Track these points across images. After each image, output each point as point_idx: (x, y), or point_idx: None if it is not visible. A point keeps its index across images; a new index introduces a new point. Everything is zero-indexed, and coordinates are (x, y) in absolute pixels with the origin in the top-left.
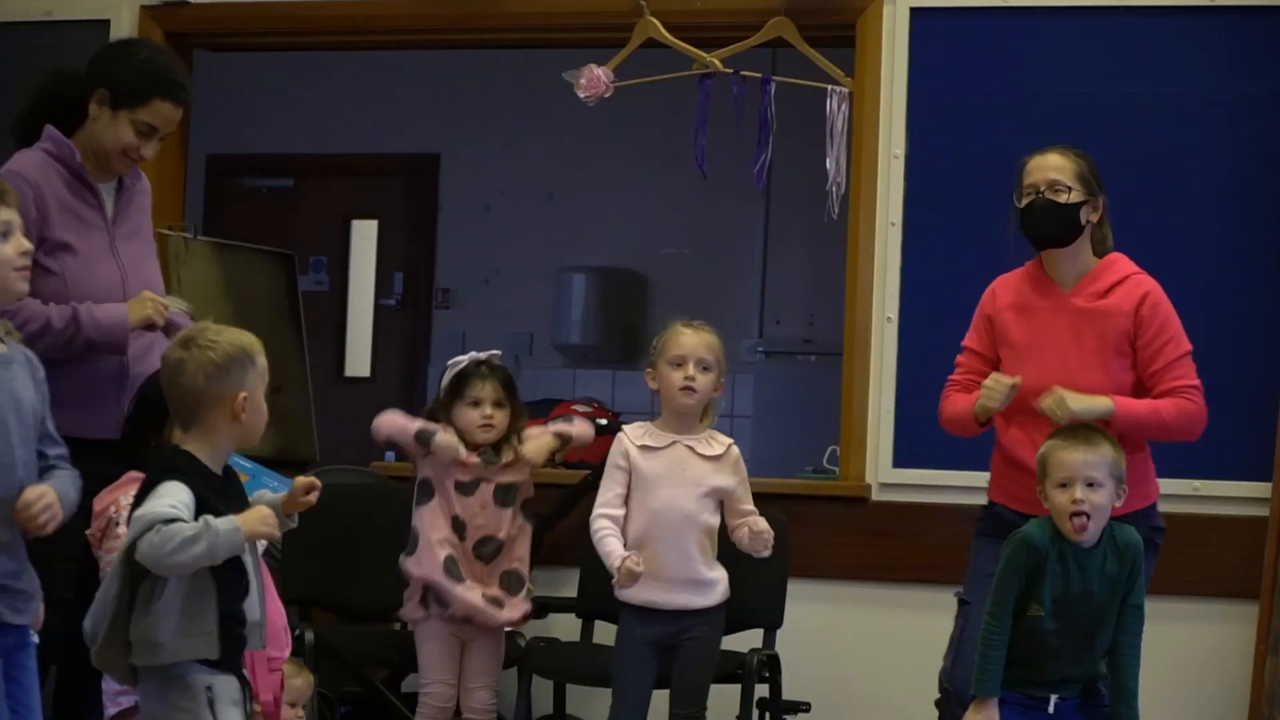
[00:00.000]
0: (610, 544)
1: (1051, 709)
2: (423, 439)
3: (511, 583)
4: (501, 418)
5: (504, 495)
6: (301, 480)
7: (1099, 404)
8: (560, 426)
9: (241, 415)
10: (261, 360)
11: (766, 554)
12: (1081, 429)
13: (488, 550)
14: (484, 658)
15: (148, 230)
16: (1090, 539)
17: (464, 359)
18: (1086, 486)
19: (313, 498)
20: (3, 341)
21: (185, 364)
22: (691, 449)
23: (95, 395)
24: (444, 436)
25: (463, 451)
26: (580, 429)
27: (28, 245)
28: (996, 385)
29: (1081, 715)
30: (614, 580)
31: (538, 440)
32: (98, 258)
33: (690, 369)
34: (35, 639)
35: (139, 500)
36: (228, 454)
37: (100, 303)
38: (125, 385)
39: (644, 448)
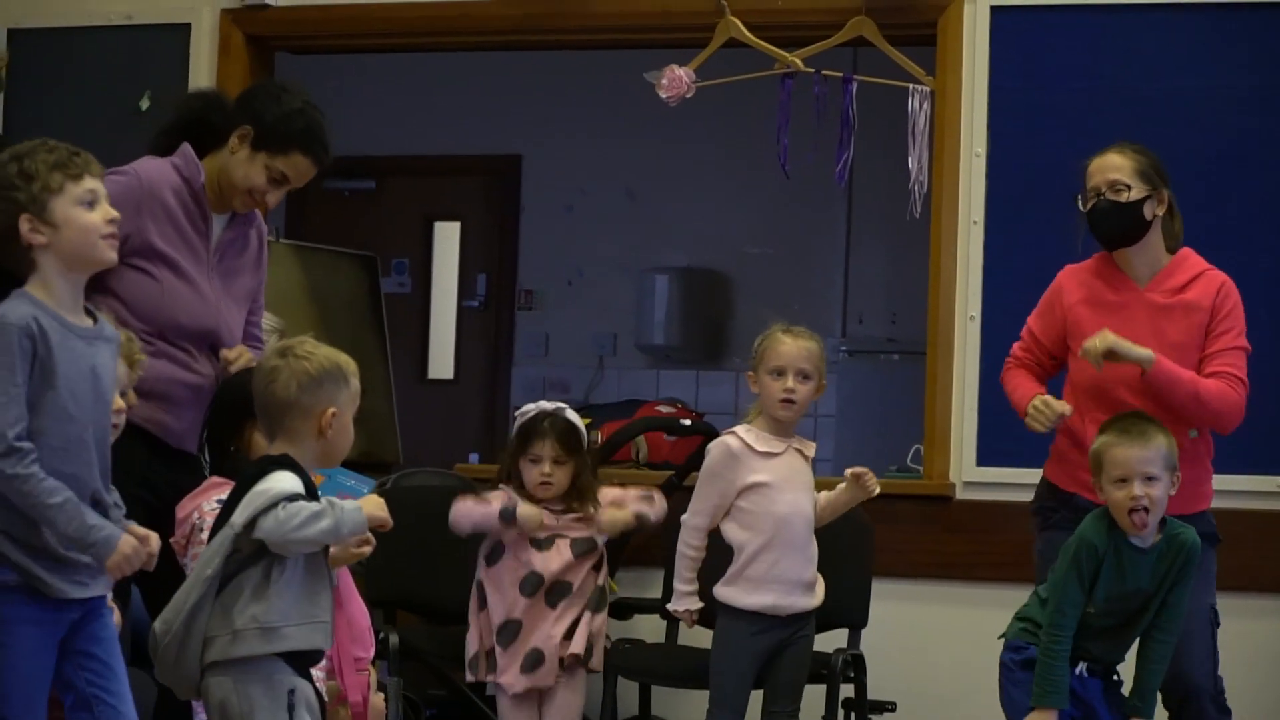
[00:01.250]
0: (685, 575)
1: (1078, 672)
2: (506, 517)
3: (568, 632)
4: (561, 475)
5: (581, 549)
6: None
7: (1141, 351)
8: (643, 508)
9: (328, 431)
10: (356, 383)
11: (876, 489)
12: (1134, 422)
13: (556, 594)
14: (563, 701)
15: (250, 275)
16: (1149, 533)
17: (533, 409)
18: (1144, 481)
19: (365, 550)
20: (92, 316)
21: (279, 371)
22: (800, 452)
23: (174, 405)
24: (525, 509)
25: (548, 518)
26: (659, 511)
27: (114, 214)
28: (1046, 411)
29: (1105, 699)
30: (675, 612)
31: (617, 515)
32: (194, 283)
33: (790, 380)
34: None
35: (237, 495)
36: (311, 470)
37: (183, 322)
38: (199, 397)
39: (762, 453)
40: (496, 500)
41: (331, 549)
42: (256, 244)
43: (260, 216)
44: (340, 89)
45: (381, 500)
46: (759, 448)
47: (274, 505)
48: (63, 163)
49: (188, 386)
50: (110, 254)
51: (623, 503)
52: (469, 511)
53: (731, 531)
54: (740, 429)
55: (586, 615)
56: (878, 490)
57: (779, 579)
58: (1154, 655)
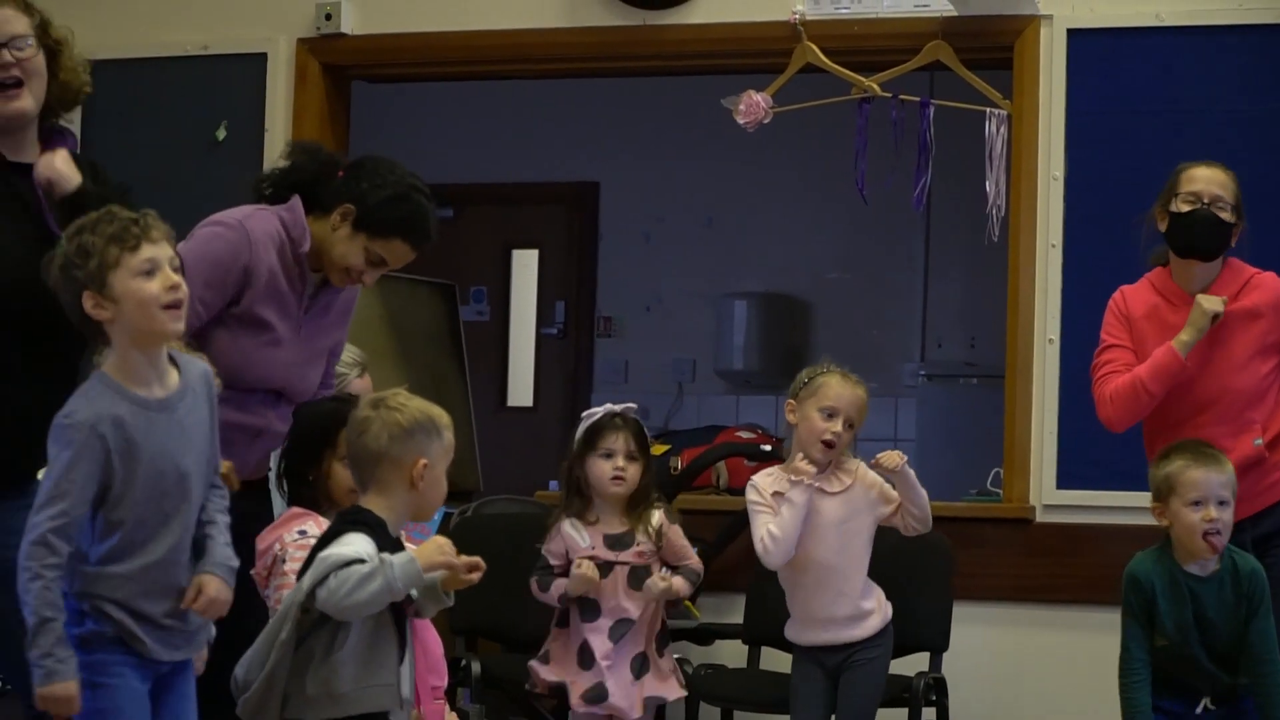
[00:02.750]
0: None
1: (1200, 710)
2: (564, 603)
3: (640, 667)
4: (634, 471)
5: (637, 579)
6: (466, 560)
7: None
8: (685, 590)
9: (419, 483)
10: (449, 436)
11: (901, 461)
12: (1204, 447)
13: (619, 631)
14: None
15: (338, 328)
16: (1210, 561)
17: (599, 411)
18: (1218, 505)
19: (475, 577)
20: (174, 362)
21: (371, 422)
22: (821, 489)
23: (228, 445)
24: (574, 583)
25: (590, 575)
26: (696, 574)
27: (175, 279)
28: (1209, 302)
29: None
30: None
31: (675, 583)
32: (281, 346)
33: (839, 425)
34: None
35: (319, 549)
36: (402, 522)
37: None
38: (256, 442)
39: (777, 495)
40: (556, 587)
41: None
42: (349, 296)
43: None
44: (417, 117)
45: (443, 541)
46: (768, 490)
47: (329, 575)
48: (119, 235)
49: (244, 430)
50: (172, 325)
51: (677, 560)
52: (542, 597)
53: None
54: (758, 476)
55: (655, 658)
56: (896, 462)
57: (813, 618)
58: (1268, 687)
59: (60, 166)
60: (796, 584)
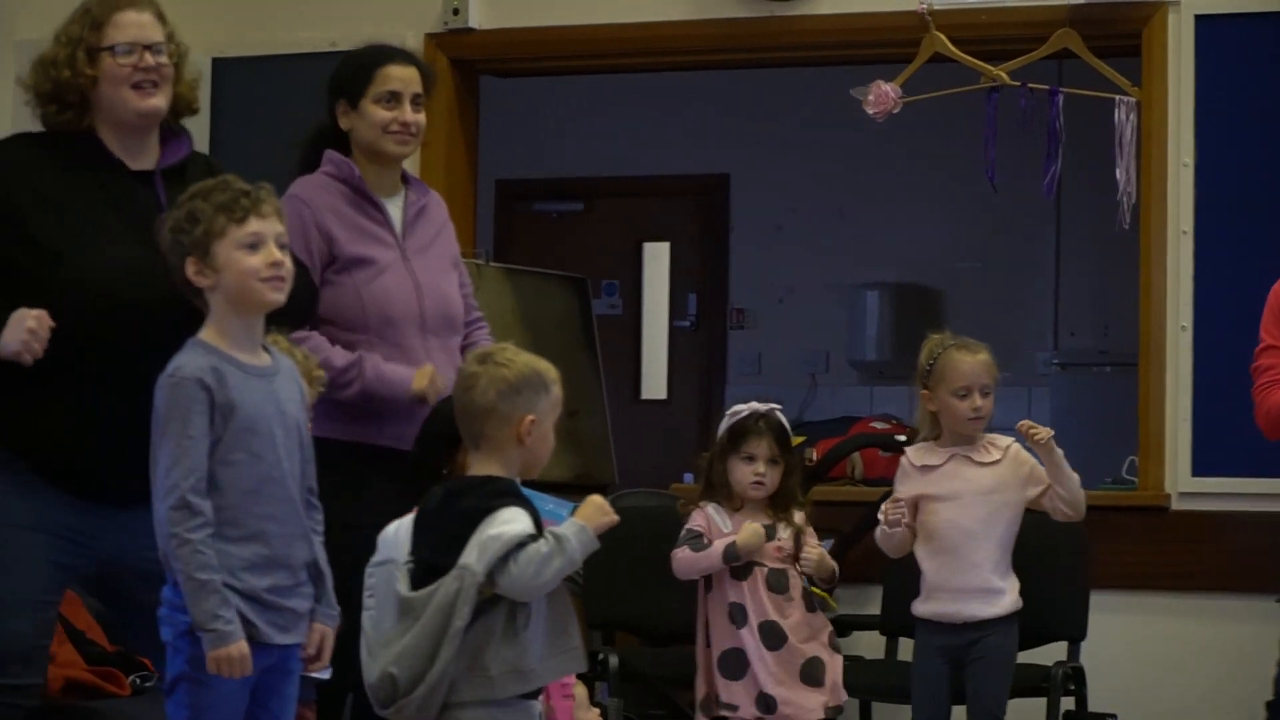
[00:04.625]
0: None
1: None
2: (731, 558)
3: (811, 675)
4: (774, 475)
5: (775, 581)
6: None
7: None
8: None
9: (526, 439)
10: (556, 390)
11: (1048, 434)
12: None
13: (772, 638)
14: None
15: (444, 245)
16: None
17: (744, 409)
18: None
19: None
20: (268, 351)
21: (478, 378)
22: (969, 459)
23: (404, 408)
24: (744, 539)
25: (762, 533)
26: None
27: (277, 256)
28: None
29: None
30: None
31: (827, 562)
32: (389, 271)
33: (977, 399)
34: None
35: (462, 525)
36: (515, 478)
37: (392, 313)
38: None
39: (924, 467)
40: (719, 542)
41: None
42: (437, 212)
43: (430, 190)
44: (546, 111)
45: (599, 500)
46: (917, 462)
47: (506, 557)
48: (228, 205)
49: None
50: (273, 296)
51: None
52: (692, 563)
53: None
54: (912, 447)
55: (827, 659)
56: (1043, 435)
57: (943, 587)
58: None
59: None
60: (932, 552)
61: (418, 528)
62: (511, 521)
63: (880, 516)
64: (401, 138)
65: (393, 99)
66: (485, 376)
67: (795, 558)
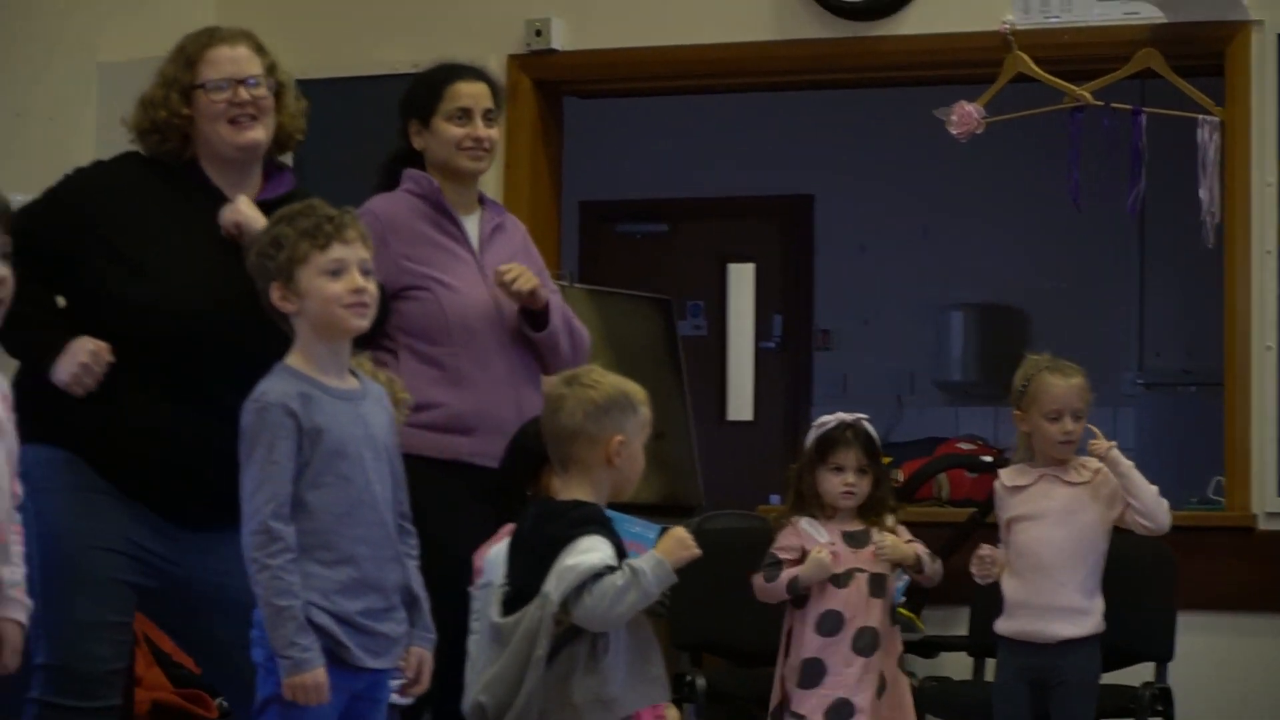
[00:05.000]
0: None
1: None
2: (794, 591)
3: (880, 685)
4: (863, 485)
5: (876, 586)
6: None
7: None
8: (924, 553)
9: (615, 460)
10: (644, 411)
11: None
12: None
13: (864, 642)
14: None
15: (522, 262)
16: None
17: (831, 420)
18: None
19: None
20: (355, 375)
21: (565, 400)
22: (1059, 478)
23: (494, 423)
24: (807, 570)
25: (826, 560)
26: (935, 572)
27: (360, 283)
28: None
29: None
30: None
31: (901, 544)
32: (469, 288)
33: (1068, 423)
34: (398, 697)
35: (545, 552)
36: (605, 500)
37: (473, 324)
38: (521, 414)
39: (1014, 488)
40: (785, 574)
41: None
42: (514, 231)
43: (505, 211)
44: (630, 133)
45: (681, 534)
46: (1009, 483)
47: (581, 587)
48: (312, 231)
49: (507, 404)
50: (356, 322)
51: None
52: (765, 591)
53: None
54: (1003, 470)
55: (891, 679)
56: (1102, 447)
57: (1028, 605)
58: None
59: (245, 210)
60: (1018, 571)
61: (511, 551)
62: (590, 551)
63: (974, 570)
64: (475, 153)
65: (464, 115)
66: (572, 398)
67: (893, 562)
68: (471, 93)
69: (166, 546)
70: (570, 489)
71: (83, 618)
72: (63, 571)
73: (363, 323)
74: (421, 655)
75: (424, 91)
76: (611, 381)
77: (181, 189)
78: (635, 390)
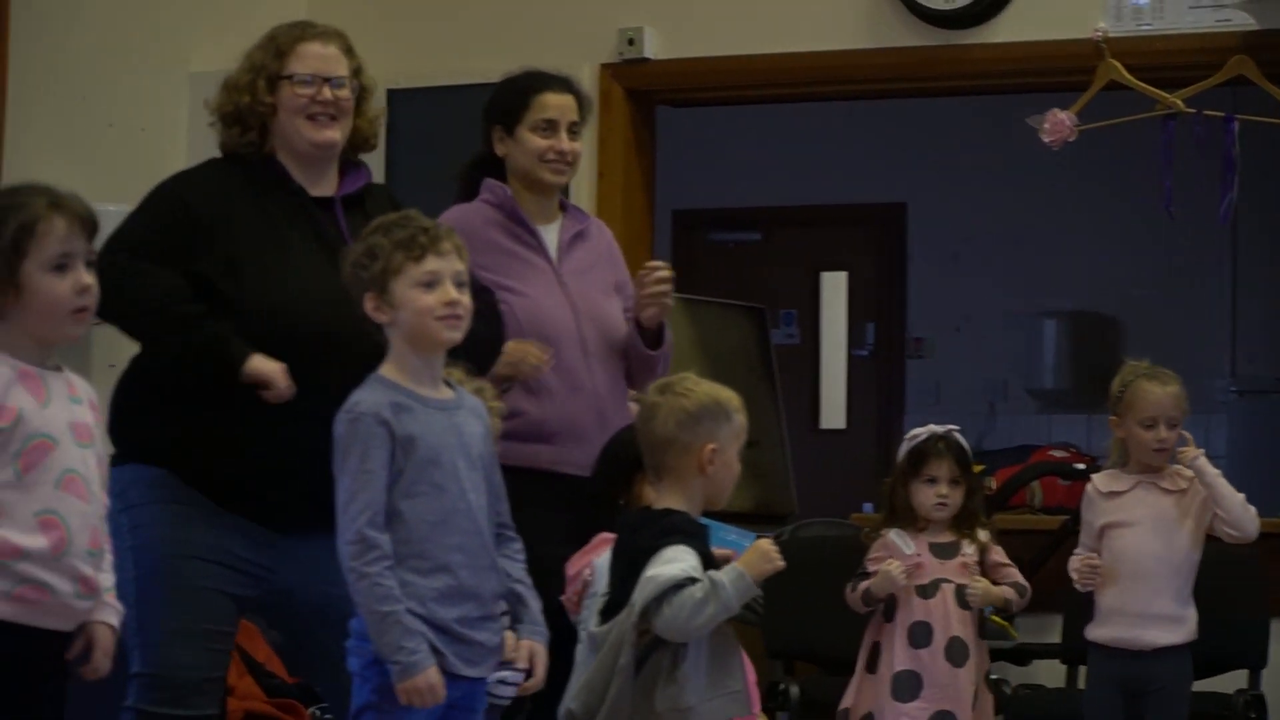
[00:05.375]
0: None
1: None
2: (870, 603)
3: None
4: (956, 496)
5: (963, 597)
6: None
7: None
8: (1012, 596)
9: (708, 468)
10: (739, 418)
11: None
12: None
13: (956, 652)
14: None
15: (606, 270)
16: None
17: (922, 432)
18: None
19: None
20: (450, 386)
21: (659, 408)
22: (1155, 485)
23: (576, 430)
24: (878, 582)
25: (896, 573)
26: (1021, 605)
27: (454, 296)
28: None
29: None
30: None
31: (992, 590)
32: (544, 296)
33: (1162, 431)
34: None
35: (634, 562)
36: (699, 509)
37: (549, 333)
38: (604, 422)
39: (1110, 493)
40: (861, 585)
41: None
42: (599, 239)
43: (589, 216)
44: (723, 141)
45: (765, 546)
46: (1103, 489)
47: (660, 598)
48: (406, 242)
49: (590, 411)
50: (449, 335)
51: (1000, 578)
52: (854, 604)
53: None
54: (1099, 474)
55: (987, 695)
56: (1190, 455)
57: (1122, 612)
58: None
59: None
60: (1116, 576)
61: (611, 560)
62: (672, 561)
63: (1074, 576)
64: (557, 167)
65: (549, 127)
66: (666, 406)
67: (982, 573)
68: (558, 104)
69: (265, 555)
70: (664, 497)
71: (175, 626)
72: (156, 581)
73: (455, 335)
74: (533, 648)
75: (510, 99)
76: (705, 389)
77: (265, 186)
78: (730, 398)
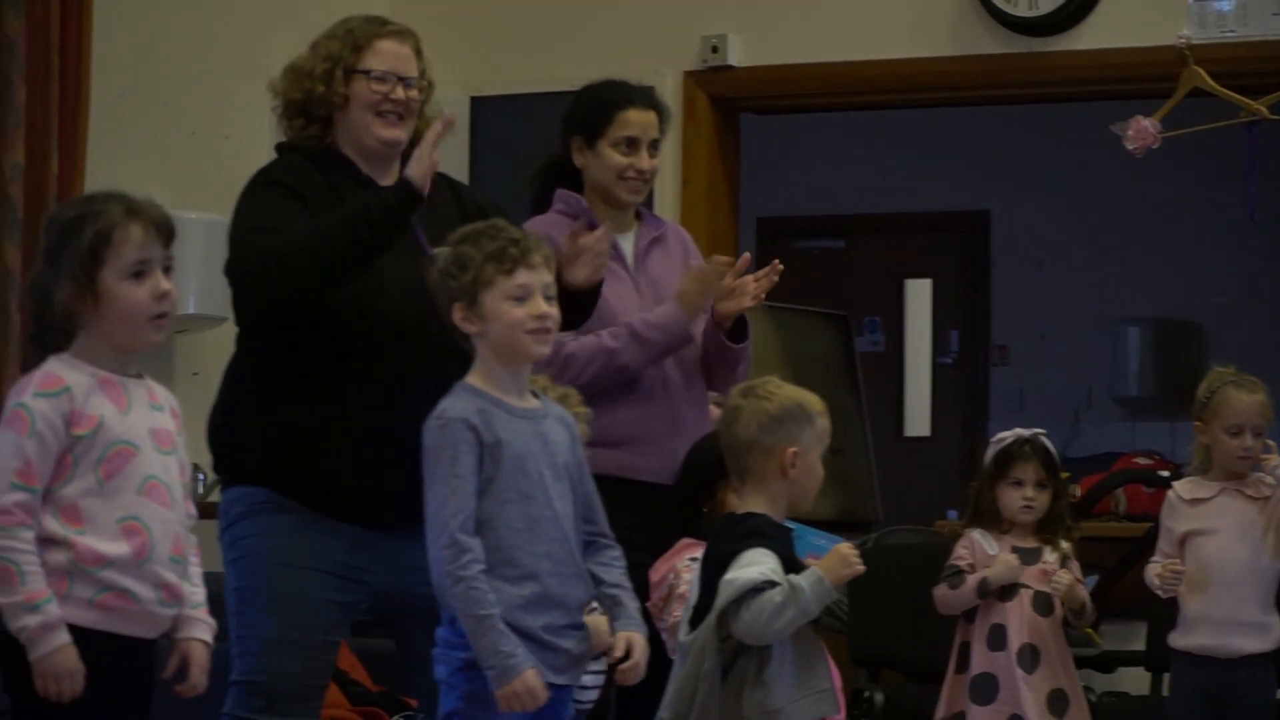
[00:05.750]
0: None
1: None
2: (984, 593)
3: (1056, 704)
4: (1042, 499)
5: (1040, 604)
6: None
7: None
8: (1087, 600)
9: (790, 471)
10: (822, 422)
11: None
12: None
13: (1027, 658)
14: None
15: (681, 274)
16: None
17: (1009, 435)
18: None
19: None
20: (535, 396)
21: (741, 411)
22: (1240, 492)
23: (646, 436)
24: (996, 571)
25: (1015, 561)
26: (1090, 617)
27: (544, 309)
28: None
29: None
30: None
31: (1077, 590)
32: (620, 302)
33: (1248, 439)
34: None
35: (718, 567)
36: (783, 513)
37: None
38: (677, 428)
39: (1193, 500)
40: (973, 577)
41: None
42: (676, 244)
43: (668, 223)
44: (806, 148)
45: (845, 550)
46: (1186, 496)
47: (738, 600)
48: (497, 254)
49: (660, 418)
50: (538, 349)
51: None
52: (951, 601)
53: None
54: (1181, 480)
55: (1073, 694)
56: (1273, 460)
57: (1207, 620)
58: None
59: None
60: (1197, 585)
61: (700, 567)
62: (752, 565)
63: (1156, 581)
64: (635, 185)
65: (630, 145)
66: (748, 409)
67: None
68: (641, 122)
69: (364, 559)
70: (747, 502)
71: (277, 635)
72: (257, 590)
73: (544, 349)
74: (631, 637)
75: (593, 112)
76: (788, 392)
77: (337, 177)
78: (812, 401)
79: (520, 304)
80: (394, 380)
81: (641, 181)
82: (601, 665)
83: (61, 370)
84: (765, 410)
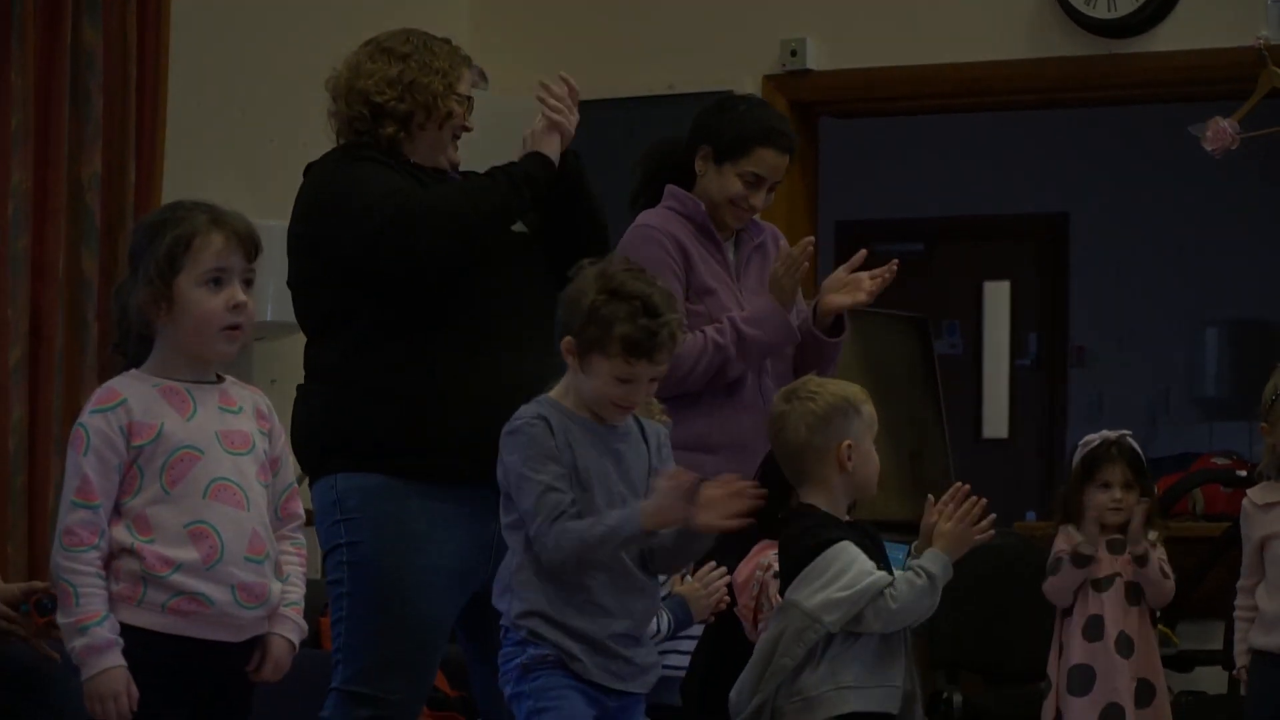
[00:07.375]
0: (1237, 636)
1: None
2: (1081, 563)
3: (1143, 695)
4: (1130, 500)
5: (1133, 593)
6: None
7: None
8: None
9: (848, 464)
10: (867, 409)
11: None
12: None
13: (1124, 647)
14: None
15: None
16: None
17: (1096, 438)
18: None
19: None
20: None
21: (788, 417)
22: None
23: (741, 443)
24: (1083, 541)
25: (1088, 546)
26: (1160, 585)
27: (639, 398)
28: None
29: None
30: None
31: (1165, 583)
32: (721, 310)
33: None
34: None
35: (795, 567)
36: (845, 506)
37: None
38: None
39: (1265, 505)
40: (1066, 559)
41: None
42: (773, 248)
43: (766, 227)
44: (885, 152)
45: (959, 531)
46: (1259, 501)
47: (876, 599)
48: (632, 345)
49: (752, 425)
50: (616, 418)
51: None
52: (1057, 586)
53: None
54: (1255, 488)
55: (1159, 686)
56: None
57: None
58: None
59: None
60: (1275, 587)
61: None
62: (854, 563)
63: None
64: (741, 215)
65: (756, 182)
66: (794, 413)
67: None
68: (774, 165)
69: (485, 554)
70: (809, 500)
71: (388, 655)
72: (373, 606)
73: (620, 419)
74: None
75: (733, 136)
76: (830, 389)
77: (421, 180)
78: (855, 392)
79: (620, 385)
80: (488, 343)
81: (749, 214)
82: (696, 632)
83: (119, 385)
84: (812, 411)
